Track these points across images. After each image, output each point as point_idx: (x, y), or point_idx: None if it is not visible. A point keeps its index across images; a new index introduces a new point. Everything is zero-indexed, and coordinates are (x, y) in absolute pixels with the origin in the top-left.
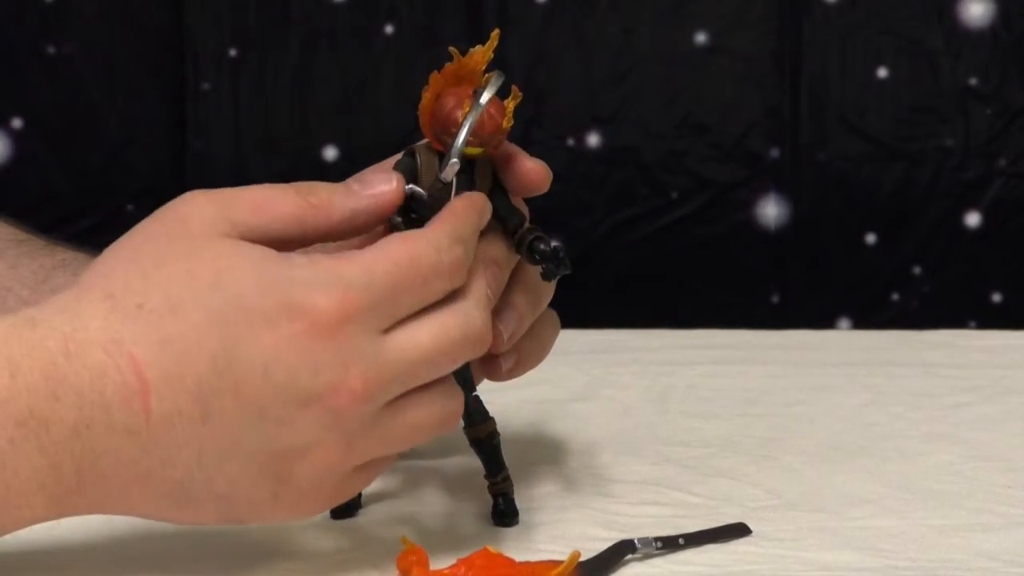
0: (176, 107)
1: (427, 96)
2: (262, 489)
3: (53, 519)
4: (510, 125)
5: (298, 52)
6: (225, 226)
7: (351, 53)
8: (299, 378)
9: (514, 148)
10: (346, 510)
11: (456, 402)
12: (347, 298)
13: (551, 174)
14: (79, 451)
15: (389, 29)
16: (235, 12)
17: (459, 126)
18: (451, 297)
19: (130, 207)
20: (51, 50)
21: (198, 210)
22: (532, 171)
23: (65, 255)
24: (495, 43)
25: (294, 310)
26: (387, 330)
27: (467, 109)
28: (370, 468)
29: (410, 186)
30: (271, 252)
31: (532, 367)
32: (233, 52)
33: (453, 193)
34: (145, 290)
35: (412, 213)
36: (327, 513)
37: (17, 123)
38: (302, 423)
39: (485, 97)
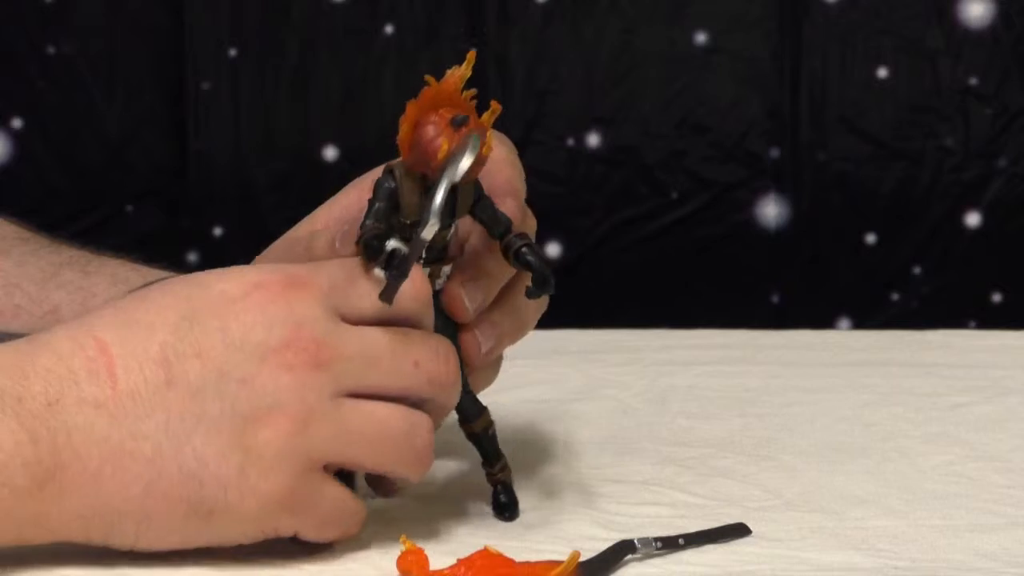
0: (176, 107)
1: (404, 127)
2: (230, 462)
3: (33, 530)
4: (489, 152)
5: (298, 52)
6: None
7: (351, 53)
8: (254, 334)
9: (470, 262)
10: None
11: (426, 427)
12: (293, 273)
13: (470, 311)
14: (53, 425)
15: (389, 29)
16: (235, 12)
17: (438, 169)
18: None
19: (130, 207)
20: (51, 50)
21: None
22: (454, 298)
23: (71, 252)
24: (472, 63)
25: (248, 282)
26: (343, 319)
27: (444, 151)
28: (332, 481)
29: (391, 244)
30: None
31: (512, 343)
32: (233, 52)
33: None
34: (124, 302)
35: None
36: None
37: (17, 123)
38: (261, 379)
39: (462, 166)
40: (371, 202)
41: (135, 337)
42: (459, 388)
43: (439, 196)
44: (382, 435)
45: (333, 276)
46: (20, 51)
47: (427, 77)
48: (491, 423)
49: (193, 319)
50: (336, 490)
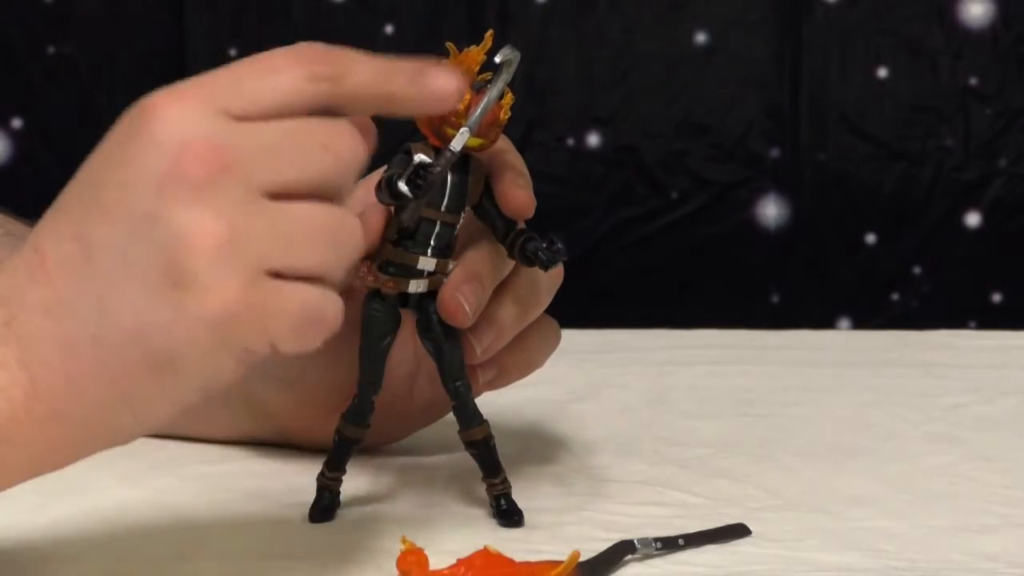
0: None
1: None
2: (165, 303)
3: (47, 454)
4: (507, 118)
5: None
6: None
7: None
8: (144, 162)
9: (511, 163)
10: (324, 513)
11: (354, 223)
12: (174, 87)
13: (534, 203)
14: (16, 347)
15: (389, 29)
16: (235, 12)
17: (466, 112)
18: None
19: None
20: (51, 50)
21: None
22: (516, 197)
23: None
24: (489, 44)
25: (134, 109)
26: (238, 119)
27: (468, 98)
28: (291, 283)
29: (419, 156)
30: None
31: (518, 379)
32: (233, 52)
33: (447, 191)
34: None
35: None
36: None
37: (17, 123)
38: (167, 208)
39: (500, 84)
40: (387, 171)
41: (55, 222)
42: (363, 161)
43: (480, 107)
44: (313, 232)
45: (219, 77)
46: (20, 51)
47: (449, 45)
48: (491, 435)
49: (91, 177)
50: (298, 289)
